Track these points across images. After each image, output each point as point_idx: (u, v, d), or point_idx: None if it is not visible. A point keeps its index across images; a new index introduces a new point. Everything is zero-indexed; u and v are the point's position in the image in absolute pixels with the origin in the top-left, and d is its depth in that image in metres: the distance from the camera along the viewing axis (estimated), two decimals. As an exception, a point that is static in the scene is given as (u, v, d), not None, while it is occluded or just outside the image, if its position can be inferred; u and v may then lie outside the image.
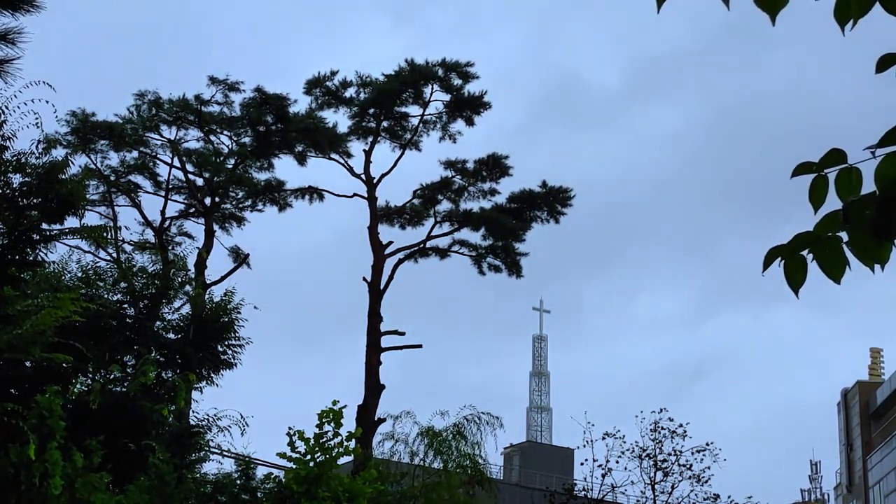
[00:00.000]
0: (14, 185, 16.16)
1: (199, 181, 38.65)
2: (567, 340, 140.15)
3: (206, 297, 24.73)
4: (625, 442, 33.69)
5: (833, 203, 3.34)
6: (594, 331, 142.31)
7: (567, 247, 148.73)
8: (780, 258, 3.42)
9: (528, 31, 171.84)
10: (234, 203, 39.63)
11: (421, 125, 39.75)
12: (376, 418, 33.50)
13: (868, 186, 3.28)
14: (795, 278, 3.42)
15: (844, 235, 3.33)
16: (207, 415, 20.66)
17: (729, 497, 34.22)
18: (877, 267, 3.32)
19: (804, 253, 3.39)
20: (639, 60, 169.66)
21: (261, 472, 20.66)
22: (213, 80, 37.66)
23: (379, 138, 39.72)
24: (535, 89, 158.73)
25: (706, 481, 33.35)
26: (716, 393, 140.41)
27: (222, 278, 35.45)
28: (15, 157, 16.07)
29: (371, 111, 39.40)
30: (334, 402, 17.12)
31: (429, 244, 39.40)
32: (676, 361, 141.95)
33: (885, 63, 3.27)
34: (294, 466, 16.89)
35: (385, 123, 39.76)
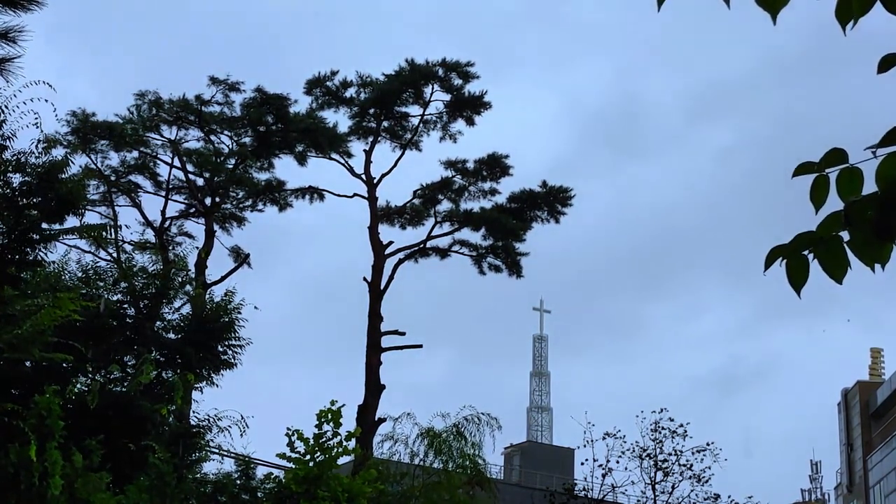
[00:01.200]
0: (14, 185, 16.15)
1: (200, 181, 38.65)
2: (622, 354, 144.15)
3: (207, 296, 24.75)
4: (625, 442, 33.72)
5: (834, 203, 3.34)
6: (651, 345, 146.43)
7: (628, 267, 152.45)
8: (781, 258, 3.42)
9: (594, 59, 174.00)
10: (234, 203, 39.62)
11: (421, 125, 39.78)
12: (376, 418, 33.50)
13: (869, 187, 3.27)
14: (797, 278, 3.42)
15: (846, 235, 3.32)
16: (208, 415, 20.68)
17: (729, 497, 34.26)
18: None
19: (805, 253, 3.39)
20: (697, 85, 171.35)
21: (261, 472, 20.69)
22: (214, 80, 37.67)
23: (379, 138, 39.74)
24: (596, 114, 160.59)
25: (706, 481, 33.38)
26: (760, 400, 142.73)
27: (222, 278, 35.46)
28: (15, 157, 16.06)
29: (371, 111, 39.40)
30: (332, 402, 17.11)
31: (429, 244, 39.41)
32: (725, 371, 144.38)
33: (886, 63, 3.26)
34: (293, 466, 16.89)
35: (385, 123, 39.76)
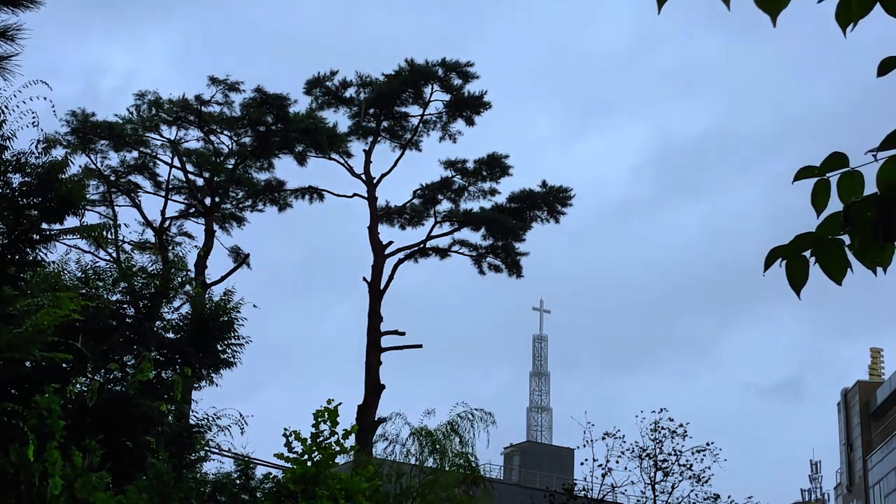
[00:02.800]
0: (14, 185, 16.15)
1: (199, 181, 38.65)
2: (696, 371, 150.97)
3: (206, 296, 24.75)
4: (624, 442, 33.72)
5: (836, 207, 3.34)
6: (725, 359, 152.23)
7: (706, 288, 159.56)
8: (781, 258, 3.42)
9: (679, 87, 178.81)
10: (234, 203, 39.61)
11: (421, 125, 39.77)
12: (376, 418, 33.50)
13: (870, 190, 3.27)
14: (797, 279, 3.42)
15: (846, 238, 3.32)
16: (207, 414, 20.68)
17: (729, 497, 34.25)
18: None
19: (806, 254, 3.39)
20: (779, 118, 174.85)
21: (260, 471, 20.69)
22: (213, 80, 37.66)
23: (379, 138, 39.72)
24: (685, 143, 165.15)
25: (706, 481, 33.37)
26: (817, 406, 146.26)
27: (222, 278, 35.46)
28: (15, 157, 16.06)
29: (371, 111, 39.40)
30: (329, 401, 17.12)
31: (429, 244, 39.41)
32: (786, 383, 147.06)
33: (886, 67, 3.26)
34: (292, 466, 16.90)
35: (385, 123, 39.75)
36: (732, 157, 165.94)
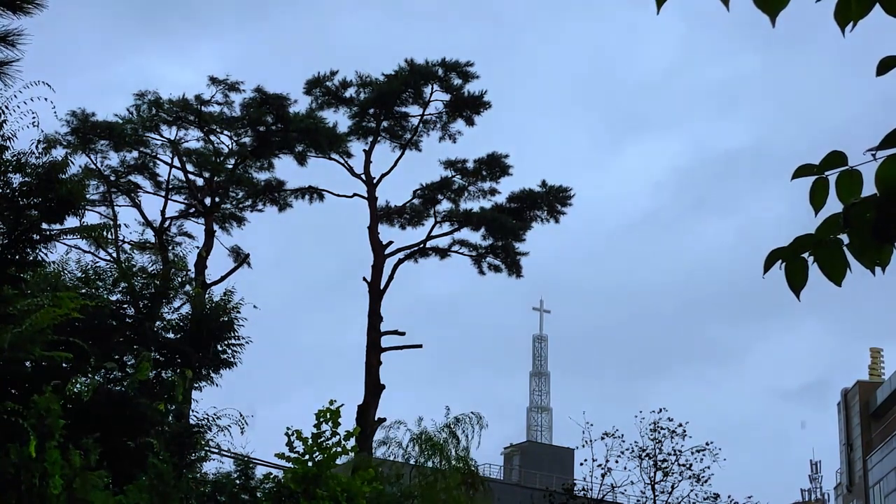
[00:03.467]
0: (14, 185, 16.14)
1: (199, 181, 38.66)
2: (723, 377, 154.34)
3: (206, 296, 24.74)
4: (624, 442, 33.72)
5: (834, 206, 3.34)
6: (752, 366, 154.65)
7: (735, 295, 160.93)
8: (780, 260, 3.41)
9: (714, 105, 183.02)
10: (234, 203, 39.62)
11: (421, 125, 39.76)
12: (376, 418, 33.50)
13: (869, 189, 3.27)
14: (796, 280, 3.42)
15: (845, 238, 3.32)
16: (207, 414, 20.68)
17: (729, 497, 34.26)
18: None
19: (805, 255, 3.39)
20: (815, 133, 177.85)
21: (260, 471, 20.69)
22: (213, 80, 37.66)
23: (379, 138, 39.71)
24: (726, 153, 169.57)
25: (706, 481, 33.37)
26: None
27: (222, 278, 35.46)
28: (15, 157, 16.06)
29: (371, 111, 39.39)
30: (331, 402, 17.14)
31: (429, 244, 39.41)
32: (811, 386, 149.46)
33: (885, 66, 3.26)
34: (292, 466, 16.90)
35: (385, 123, 39.74)
36: (766, 170, 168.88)
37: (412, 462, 29.65)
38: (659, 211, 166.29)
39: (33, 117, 15.37)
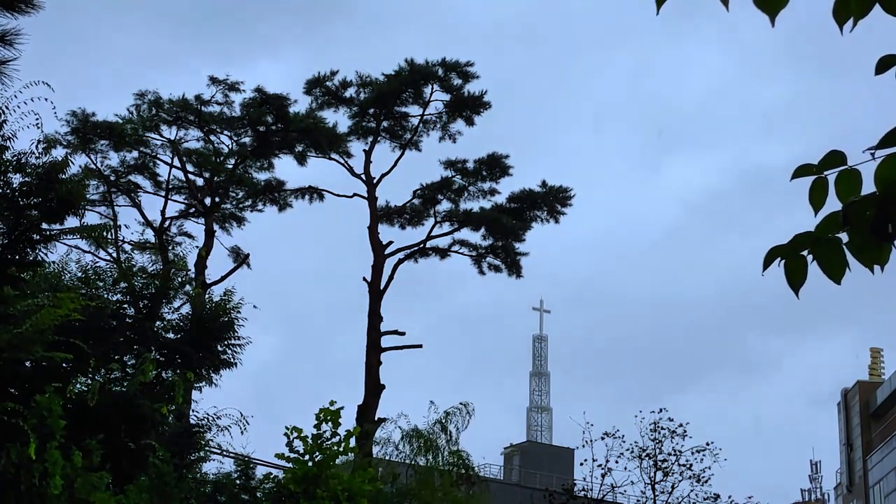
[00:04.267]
0: (14, 185, 16.15)
1: (199, 181, 38.68)
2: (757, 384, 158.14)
3: (206, 296, 24.73)
4: (624, 442, 33.71)
5: (833, 206, 3.34)
6: (785, 374, 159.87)
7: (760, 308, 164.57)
8: (780, 258, 3.42)
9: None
10: (234, 203, 39.64)
11: (421, 125, 39.77)
12: (376, 418, 33.51)
13: (868, 189, 3.28)
14: (795, 278, 3.42)
15: (844, 236, 3.32)
16: (207, 414, 20.68)
17: (729, 497, 34.25)
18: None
19: (804, 253, 3.39)
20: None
21: (260, 471, 20.69)
22: (214, 80, 37.67)
23: (379, 138, 39.73)
24: (765, 170, 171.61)
25: (706, 481, 33.36)
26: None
27: (222, 278, 35.48)
28: (15, 157, 16.06)
29: (371, 111, 39.40)
30: (332, 402, 17.13)
31: (429, 244, 39.42)
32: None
33: (884, 65, 3.26)
34: (292, 466, 16.90)
35: (385, 123, 39.75)
36: (801, 188, 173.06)
37: (407, 461, 29.65)
38: (693, 225, 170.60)
39: (36, 118, 15.38)
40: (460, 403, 30.86)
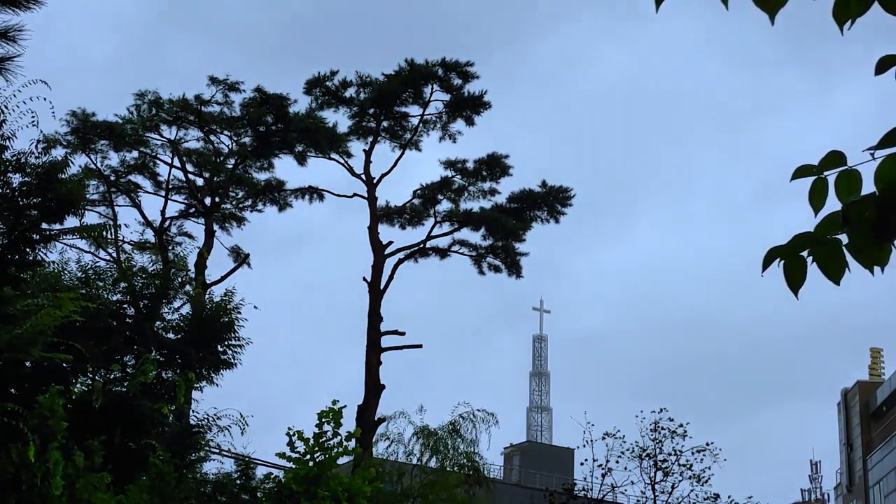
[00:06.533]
0: (14, 185, 16.15)
1: (199, 181, 38.66)
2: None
3: (206, 296, 24.75)
4: (624, 442, 33.71)
5: (833, 206, 3.34)
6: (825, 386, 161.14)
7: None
8: (779, 259, 3.41)
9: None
10: (234, 203, 39.63)
11: (421, 125, 39.76)
12: (376, 418, 33.50)
13: (868, 189, 3.27)
14: (794, 279, 3.42)
15: (844, 237, 3.31)
16: (207, 414, 20.68)
17: (729, 497, 34.24)
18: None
19: (804, 254, 3.39)
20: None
21: (261, 471, 20.69)
22: (213, 80, 37.65)
23: (379, 138, 39.71)
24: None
25: (706, 481, 33.36)
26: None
27: (222, 278, 35.46)
28: (15, 157, 16.06)
29: (371, 111, 39.38)
30: (334, 402, 17.13)
31: (429, 244, 39.40)
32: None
33: (884, 65, 3.26)
34: (293, 466, 16.89)
35: (385, 123, 39.74)
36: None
37: (414, 461, 29.61)
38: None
39: (33, 117, 15.38)
40: (482, 410, 30.88)
